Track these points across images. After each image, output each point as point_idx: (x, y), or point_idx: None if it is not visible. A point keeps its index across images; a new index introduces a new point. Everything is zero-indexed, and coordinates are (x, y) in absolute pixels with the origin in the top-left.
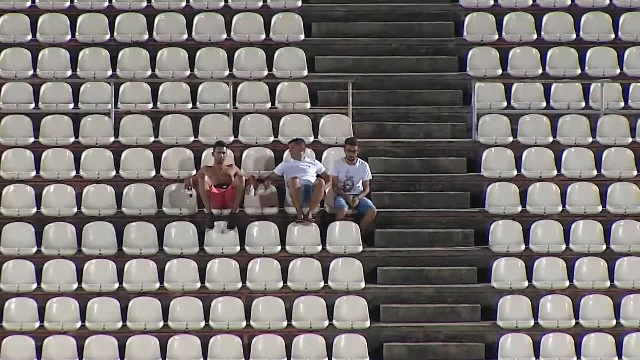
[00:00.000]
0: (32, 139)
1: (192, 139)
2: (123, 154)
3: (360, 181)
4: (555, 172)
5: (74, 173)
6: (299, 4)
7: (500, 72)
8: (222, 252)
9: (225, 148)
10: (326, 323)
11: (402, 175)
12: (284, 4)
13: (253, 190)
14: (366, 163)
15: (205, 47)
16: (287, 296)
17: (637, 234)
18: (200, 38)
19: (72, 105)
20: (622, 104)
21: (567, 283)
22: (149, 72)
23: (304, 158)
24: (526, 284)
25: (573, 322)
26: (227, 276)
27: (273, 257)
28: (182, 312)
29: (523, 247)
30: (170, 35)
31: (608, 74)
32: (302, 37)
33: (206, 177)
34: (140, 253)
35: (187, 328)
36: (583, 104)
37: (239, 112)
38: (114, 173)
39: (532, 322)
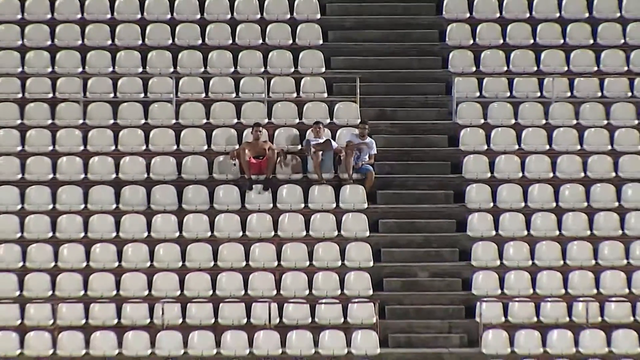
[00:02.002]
0: (112, 121)
1: (235, 120)
2: (182, 133)
3: (368, 154)
4: (516, 147)
5: (144, 147)
6: (318, 16)
7: (474, 69)
8: (259, 208)
9: (261, 128)
10: (339, 263)
11: (398, 148)
12: (307, 16)
13: (283, 160)
14: (372, 140)
15: (245, 50)
16: (309, 242)
17: (579, 194)
18: (242, 42)
19: (142, 95)
20: (569, 94)
21: (525, 232)
22: (202, 69)
23: (322, 136)
24: (494, 233)
25: (530, 262)
26: (262, 227)
27: (298, 212)
28: (228, 254)
29: (491, 204)
30: (219, 40)
31: (558, 70)
32: (321, 42)
33: (246, 150)
34: (196, 209)
35: (232, 267)
36: (538, 94)
37: (271, 100)
38: (175, 147)
39: (498, 262)
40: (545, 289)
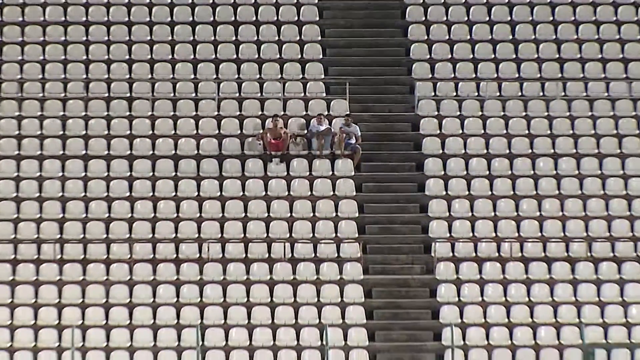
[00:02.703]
0: (172, 113)
1: (259, 112)
2: (222, 121)
3: (354, 136)
4: (460, 131)
5: (194, 132)
6: (319, 38)
7: (430, 76)
8: (277, 175)
9: (278, 118)
10: (334, 214)
11: (376, 133)
12: (311, 38)
13: (294, 141)
14: (357, 126)
15: (267, 62)
16: (313, 200)
17: (506, 165)
18: (265, 57)
19: (193, 94)
20: (498, 94)
21: (467, 192)
22: (236, 76)
23: (323, 123)
24: (444, 193)
25: (470, 214)
26: (279, 188)
27: (305, 178)
28: (255, 208)
29: (443, 173)
30: (248, 55)
31: (490, 77)
32: (321, 56)
33: (268, 134)
34: (232, 175)
35: (257, 217)
36: (476, 94)
37: (286, 97)
38: (217, 132)
39: (447, 214)
40: (480, 233)
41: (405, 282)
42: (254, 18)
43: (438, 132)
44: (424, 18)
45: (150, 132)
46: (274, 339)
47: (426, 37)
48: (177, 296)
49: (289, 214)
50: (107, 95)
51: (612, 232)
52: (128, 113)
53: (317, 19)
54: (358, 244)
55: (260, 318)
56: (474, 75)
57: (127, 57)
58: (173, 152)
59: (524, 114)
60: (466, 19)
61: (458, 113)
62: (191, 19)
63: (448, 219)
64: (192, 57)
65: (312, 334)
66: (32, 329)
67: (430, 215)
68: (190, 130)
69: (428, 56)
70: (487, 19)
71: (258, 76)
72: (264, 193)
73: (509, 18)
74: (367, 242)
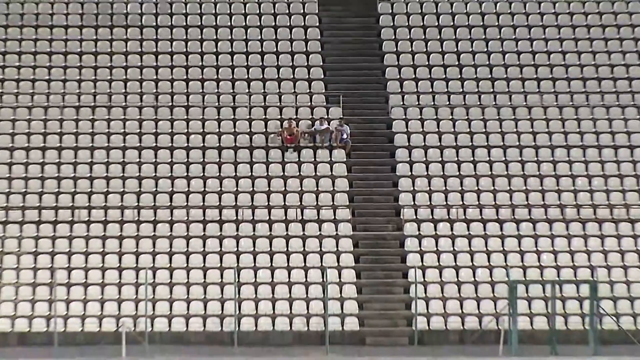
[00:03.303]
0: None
1: (278, 116)
2: (252, 122)
3: (345, 133)
4: (420, 129)
5: (233, 130)
6: (321, 63)
7: (399, 91)
8: (291, 161)
9: (292, 120)
10: (332, 188)
11: (361, 131)
12: (315, 63)
13: (303, 136)
14: (347, 126)
15: (284, 81)
16: (316, 178)
17: (453, 154)
18: (282, 77)
19: (232, 104)
20: (447, 102)
21: (425, 172)
22: (262, 91)
23: (323, 124)
24: (409, 173)
25: (429, 189)
26: (292, 170)
27: (310, 163)
28: (275, 185)
29: (408, 159)
30: (268, 76)
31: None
32: (322, 76)
33: (284, 131)
34: (259, 160)
35: (277, 190)
36: (432, 103)
37: (297, 105)
38: (248, 130)
39: (411, 188)
40: (435, 202)
41: (382, 237)
42: (275, 49)
43: (405, 130)
44: (394, 49)
45: (201, 130)
46: (289, 277)
47: (397, 63)
48: (220, 246)
49: (299, 188)
50: (170, 104)
51: (529, 201)
52: (185, 117)
53: (320, 50)
54: (349, 209)
55: (279, 262)
56: (430, 90)
57: (185, 77)
58: (217, 144)
59: (465, 117)
60: (424, 49)
61: (419, 117)
62: (230, 49)
63: (412, 192)
64: (230, 77)
65: (316, 273)
66: (117, 270)
67: (399, 189)
68: (230, 129)
69: (398, 76)
70: (440, 49)
71: (277, 90)
72: (282, 173)
73: (455, 49)
74: (355, 208)
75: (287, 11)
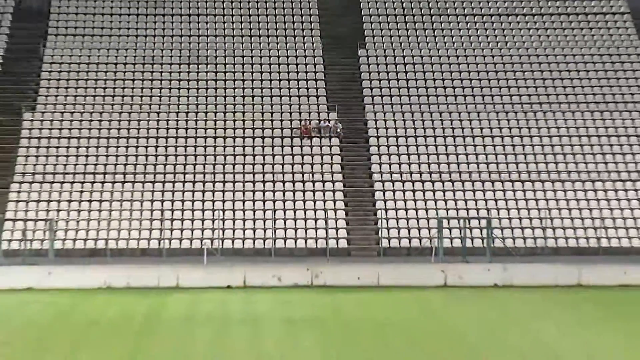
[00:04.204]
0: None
1: (299, 117)
2: (283, 122)
3: (339, 129)
4: (384, 126)
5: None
6: (324, 86)
7: (372, 102)
8: (305, 145)
9: (307, 120)
10: (330, 161)
11: (348, 126)
12: (321, 85)
13: (313, 130)
14: (340, 124)
15: (304, 97)
16: (321, 155)
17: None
18: (302, 94)
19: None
20: (402, 109)
21: (387, 152)
22: (290, 100)
23: (325, 122)
24: (377, 150)
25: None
26: (306, 151)
27: (317, 146)
28: (297, 159)
29: (377, 143)
30: (288, 93)
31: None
32: (325, 93)
33: (302, 127)
34: (287, 145)
35: (297, 162)
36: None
37: (310, 111)
38: (280, 126)
39: (378, 161)
40: (395, 169)
41: (361, 190)
42: (297, 78)
43: (375, 126)
44: (368, 77)
45: (260, 125)
46: (305, 216)
47: (369, 85)
48: (263, 196)
49: (311, 160)
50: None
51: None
52: (243, 117)
53: (324, 77)
54: (341, 174)
55: (300, 205)
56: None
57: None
58: (263, 134)
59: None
60: (387, 77)
61: (383, 118)
62: (270, 78)
63: (379, 163)
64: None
65: (320, 214)
66: (200, 212)
67: (371, 162)
68: (273, 125)
69: (371, 93)
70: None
71: (298, 102)
72: (300, 152)
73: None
74: (345, 174)
75: (304, 54)
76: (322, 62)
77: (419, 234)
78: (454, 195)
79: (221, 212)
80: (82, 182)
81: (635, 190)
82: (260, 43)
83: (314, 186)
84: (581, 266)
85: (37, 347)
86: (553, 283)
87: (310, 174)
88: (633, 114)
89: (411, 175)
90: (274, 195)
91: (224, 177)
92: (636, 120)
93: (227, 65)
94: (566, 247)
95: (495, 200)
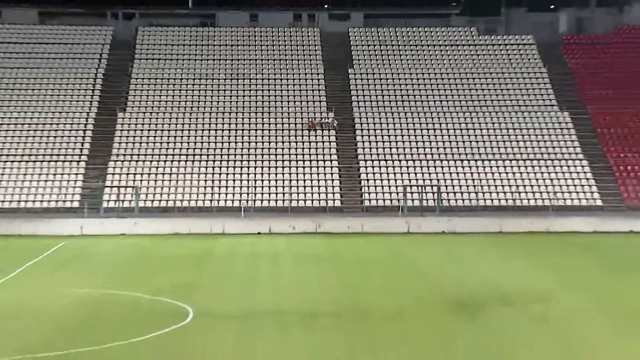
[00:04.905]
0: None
1: (308, 117)
2: (297, 120)
3: (335, 123)
4: (367, 121)
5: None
6: (325, 97)
7: (358, 106)
8: (312, 134)
9: (314, 118)
10: (328, 144)
11: (341, 124)
12: (322, 96)
13: (317, 125)
14: (336, 120)
15: (312, 106)
16: (323, 142)
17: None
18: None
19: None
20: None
21: (375, 137)
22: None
23: (326, 119)
24: (362, 138)
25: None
26: (313, 139)
27: (320, 136)
28: (306, 144)
29: (362, 134)
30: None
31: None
32: (325, 100)
33: (310, 123)
34: (301, 135)
35: (308, 147)
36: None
37: (315, 112)
38: (294, 122)
39: (362, 143)
40: (377, 152)
41: (350, 166)
42: (305, 90)
43: (360, 122)
44: (356, 88)
45: (280, 122)
46: (311, 183)
47: (356, 94)
48: (276, 171)
49: (316, 145)
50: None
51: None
52: (268, 115)
53: (324, 88)
54: (337, 156)
55: (307, 177)
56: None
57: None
58: (283, 128)
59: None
60: (370, 88)
61: (366, 116)
62: (282, 88)
63: (363, 147)
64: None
65: (322, 183)
66: (239, 180)
67: (357, 147)
68: (289, 121)
69: (357, 99)
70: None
71: (307, 106)
72: (308, 141)
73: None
74: (340, 155)
75: (311, 72)
76: (323, 78)
77: (391, 197)
78: (415, 170)
79: (253, 182)
80: (158, 161)
81: (539, 166)
82: (281, 66)
83: (317, 164)
84: (502, 219)
85: (131, 272)
86: (484, 230)
87: (315, 155)
88: (531, 114)
89: (385, 156)
90: (289, 170)
91: (256, 157)
92: (533, 118)
93: (257, 81)
94: (492, 206)
95: (443, 173)
